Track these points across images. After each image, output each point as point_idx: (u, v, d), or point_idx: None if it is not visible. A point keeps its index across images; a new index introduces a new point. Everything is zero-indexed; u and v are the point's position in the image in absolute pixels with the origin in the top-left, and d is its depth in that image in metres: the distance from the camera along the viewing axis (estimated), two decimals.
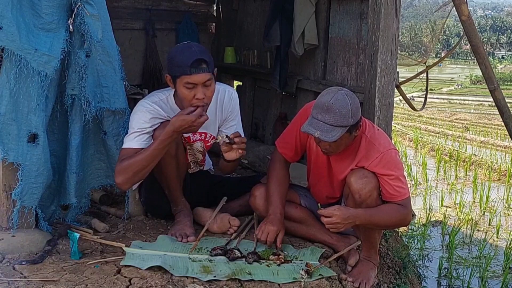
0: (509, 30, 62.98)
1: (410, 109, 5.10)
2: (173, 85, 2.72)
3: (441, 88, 33.81)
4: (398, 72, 3.62)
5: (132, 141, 2.72)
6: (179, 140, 2.87)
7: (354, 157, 2.61)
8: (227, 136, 2.67)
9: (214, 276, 2.40)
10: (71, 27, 2.61)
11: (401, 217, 2.57)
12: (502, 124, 4.39)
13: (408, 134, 11.36)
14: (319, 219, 2.92)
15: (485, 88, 5.16)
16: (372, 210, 2.53)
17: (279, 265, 2.58)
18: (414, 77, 5.33)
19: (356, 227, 2.66)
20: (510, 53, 57.52)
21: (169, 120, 2.78)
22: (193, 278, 2.38)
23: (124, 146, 2.74)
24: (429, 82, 5.26)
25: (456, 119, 18.88)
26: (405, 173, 7.13)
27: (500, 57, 56.13)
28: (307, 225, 2.88)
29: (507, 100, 4.18)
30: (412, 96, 18.51)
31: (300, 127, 2.76)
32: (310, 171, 2.88)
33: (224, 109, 2.97)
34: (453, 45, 36.19)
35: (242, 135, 3.07)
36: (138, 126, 2.72)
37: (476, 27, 4.05)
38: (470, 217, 5.53)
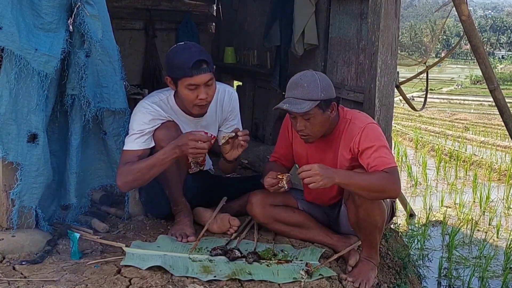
0: (509, 30, 62.98)
1: (410, 109, 5.10)
2: (174, 87, 2.72)
3: (441, 88, 33.84)
4: (398, 72, 3.62)
5: (133, 143, 2.73)
6: None
7: (339, 143, 2.64)
8: (229, 133, 2.69)
9: (214, 276, 2.40)
10: (71, 27, 2.61)
11: (385, 182, 2.42)
12: (502, 124, 4.39)
13: (408, 134, 11.36)
14: (318, 221, 2.92)
15: (485, 88, 5.16)
16: (354, 171, 2.49)
17: (277, 264, 2.58)
18: (414, 77, 5.34)
19: (356, 227, 2.65)
20: (510, 53, 57.53)
21: (170, 121, 2.80)
22: (193, 278, 2.38)
23: (125, 148, 2.76)
24: (429, 82, 5.27)
25: (456, 119, 18.89)
26: (405, 173, 7.15)
27: (500, 57, 56.14)
28: (306, 228, 2.88)
29: (507, 100, 4.19)
30: (412, 96, 18.54)
31: (284, 135, 2.82)
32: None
33: (224, 109, 2.97)
34: (453, 45, 36.20)
35: None
36: (139, 127, 2.73)
37: (476, 27, 4.06)
38: (470, 217, 5.52)
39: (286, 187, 2.60)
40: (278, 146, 2.95)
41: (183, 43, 2.77)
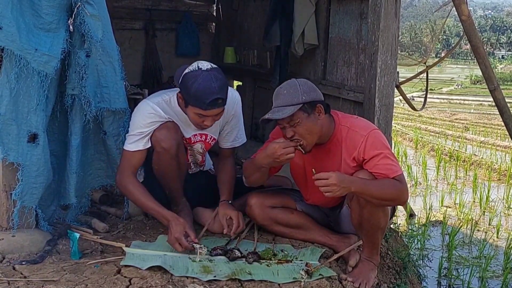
0: (509, 30, 62.98)
1: (410, 109, 5.10)
2: (183, 103, 2.72)
3: (441, 88, 33.82)
4: (398, 72, 3.62)
5: (132, 144, 2.78)
6: (180, 141, 2.88)
7: (340, 152, 2.60)
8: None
9: (214, 276, 2.40)
10: (71, 27, 2.61)
11: (397, 191, 2.47)
12: (502, 124, 4.39)
13: (408, 134, 11.35)
14: (317, 222, 2.92)
15: (485, 88, 5.15)
16: (369, 179, 2.49)
17: (277, 264, 2.57)
18: (414, 77, 5.32)
19: (359, 228, 2.65)
20: (510, 53, 57.51)
21: (170, 120, 2.80)
22: (193, 278, 2.38)
23: (125, 147, 2.80)
24: (429, 82, 5.25)
25: (456, 119, 18.87)
26: (405, 173, 7.14)
27: (500, 57, 56.10)
28: (305, 229, 2.87)
29: (507, 100, 4.18)
30: (412, 96, 18.49)
31: (275, 138, 2.72)
32: (302, 187, 2.86)
33: (227, 113, 2.95)
34: (453, 45, 36.19)
35: (242, 137, 3.08)
36: (137, 130, 2.76)
37: (476, 27, 4.05)
38: (470, 217, 5.52)
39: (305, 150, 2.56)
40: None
41: (205, 69, 2.63)
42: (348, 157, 2.59)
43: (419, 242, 4.66)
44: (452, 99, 28.86)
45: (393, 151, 2.80)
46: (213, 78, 2.61)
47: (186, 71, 2.65)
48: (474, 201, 6.23)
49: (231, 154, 3.13)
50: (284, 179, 3.21)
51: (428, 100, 5.75)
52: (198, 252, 2.56)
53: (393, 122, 3.61)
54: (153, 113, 2.77)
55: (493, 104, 4.24)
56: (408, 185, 6.69)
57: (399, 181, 2.48)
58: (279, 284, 2.41)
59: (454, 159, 8.38)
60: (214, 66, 2.70)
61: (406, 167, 7.44)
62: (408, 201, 5.57)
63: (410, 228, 5.10)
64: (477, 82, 35.64)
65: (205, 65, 2.67)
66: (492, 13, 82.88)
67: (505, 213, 5.92)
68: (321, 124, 2.55)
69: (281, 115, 2.44)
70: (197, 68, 2.64)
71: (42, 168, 2.65)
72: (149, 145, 2.79)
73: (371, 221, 2.56)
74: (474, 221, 5.42)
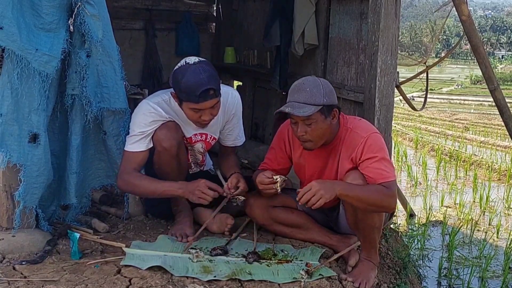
0: (509, 30, 63.00)
1: (410, 109, 5.10)
2: (178, 102, 2.72)
3: (441, 88, 33.86)
4: (398, 72, 3.62)
5: (133, 145, 2.76)
6: (181, 140, 2.88)
7: (339, 152, 2.61)
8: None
9: (214, 276, 2.40)
10: (71, 27, 2.61)
11: (383, 197, 2.45)
12: (502, 124, 4.39)
13: (408, 134, 11.35)
14: (317, 222, 2.92)
15: (485, 88, 5.16)
16: (353, 183, 2.48)
17: (277, 264, 2.58)
18: (414, 77, 5.33)
19: (355, 228, 2.65)
20: (510, 53, 57.50)
21: (171, 120, 2.79)
22: (193, 278, 2.38)
23: (126, 148, 2.78)
24: (429, 82, 5.26)
25: (456, 119, 18.88)
26: (405, 173, 7.15)
27: (500, 57, 56.11)
28: (305, 229, 2.88)
29: (507, 100, 4.18)
30: (412, 96, 18.54)
31: (279, 147, 2.79)
32: (303, 186, 2.87)
33: (227, 112, 2.97)
34: (453, 45, 36.20)
35: (243, 136, 3.08)
36: (139, 129, 2.75)
37: (476, 27, 4.06)
38: (470, 217, 5.52)
39: (279, 190, 2.61)
40: (270, 158, 2.87)
41: (193, 63, 2.64)
42: (346, 158, 2.59)
43: (419, 242, 4.66)
44: (452, 99, 28.89)
45: (393, 151, 2.80)
46: (201, 71, 2.60)
47: (175, 68, 2.67)
48: (474, 201, 6.23)
49: (233, 150, 3.15)
50: None
51: (428, 100, 5.75)
52: (195, 256, 2.56)
53: (393, 122, 3.61)
54: (154, 112, 2.76)
55: (493, 104, 4.25)
56: (408, 185, 6.76)
57: (387, 187, 2.46)
58: (279, 284, 2.41)
59: (454, 159, 8.38)
60: (202, 59, 2.70)
61: (406, 167, 7.44)
62: (408, 201, 5.61)
63: (410, 228, 5.10)
64: (477, 82, 35.68)
65: (192, 59, 2.67)
66: (492, 13, 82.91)
67: (505, 213, 5.92)
68: (331, 127, 2.57)
69: (302, 113, 2.43)
70: (184, 63, 2.66)
71: (43, 168, 2.65)
72: (151, 145, 2.78)
73: (365, 221, 2.56)
74: (474, 221, 5.42)
